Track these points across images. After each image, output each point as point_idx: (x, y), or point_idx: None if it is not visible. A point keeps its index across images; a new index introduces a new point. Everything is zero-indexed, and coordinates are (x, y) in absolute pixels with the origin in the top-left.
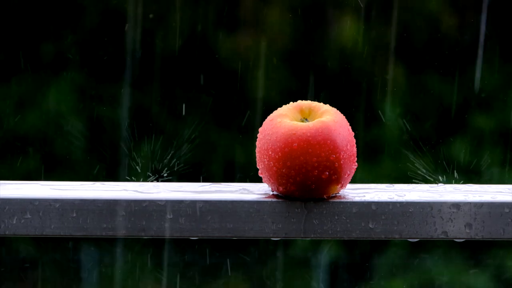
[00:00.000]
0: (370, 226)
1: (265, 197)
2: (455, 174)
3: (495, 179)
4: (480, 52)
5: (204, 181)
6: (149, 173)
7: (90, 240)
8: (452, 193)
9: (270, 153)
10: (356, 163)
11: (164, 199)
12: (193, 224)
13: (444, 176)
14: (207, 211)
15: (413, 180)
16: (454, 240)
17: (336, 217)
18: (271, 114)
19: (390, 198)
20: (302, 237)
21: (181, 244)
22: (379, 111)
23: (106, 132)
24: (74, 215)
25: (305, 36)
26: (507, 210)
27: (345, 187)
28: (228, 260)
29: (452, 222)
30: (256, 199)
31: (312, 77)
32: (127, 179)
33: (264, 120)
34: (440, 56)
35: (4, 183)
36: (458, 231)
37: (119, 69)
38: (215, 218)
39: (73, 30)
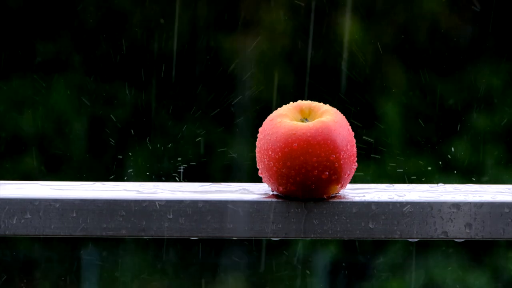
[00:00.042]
0: (370, 226)
1: (265, 197)
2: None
3: (495, 179)
4: (480, 51)
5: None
6: (149, 173)
7: (90, 240)
8: (452, 193)
9: (270, 153)
10: (356, 163)
11: (164, 199)
12: (193, 224)
13: (444, 176)
14: (207, 211)
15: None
16: (454, 240)
17: (336, 217)
18: (271, 114)
19: (390, 198)
20: (302, 237)
21: (181, 244)
22: (379, 111)
23: (106, 132)
24: (74, 215)
25: (305, 36)
26: (507, 210)
27: (345, 187)
28: (228, 260)
29: (452, 222)
30: (256, 199)
31: (312, 77)
32: (127, 179)
33: (264, 120)
34: (440, 55)
35: (4, 183)
36: (458, 231)
37: (119, 69)
38: (215, 218)
39: (73, 30)
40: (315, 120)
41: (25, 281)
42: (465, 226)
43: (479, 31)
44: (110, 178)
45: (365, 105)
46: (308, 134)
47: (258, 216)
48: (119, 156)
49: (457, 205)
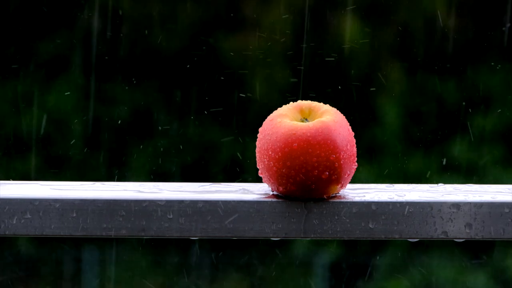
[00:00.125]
0: (370, 226)
1: (265, 197)
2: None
3: (495, 179)
4: (481, 51)
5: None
6: (149, 173)
7: (90, 240)
8: (452, 193)
9: (270, 153)
10: (356, 163)
11: (164, 199)
12: (193, 224)
13: (444, 176)
14: (207, 211)
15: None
16: (454, 240)
17: (336, 217)
18: (271, 114)
19: (390, 198)
20: (302, 237)
21: (181, 244)
22: (379, 111)
23: (106, 132)
24: (74, 215)
25: (305, 36)
26: (507, 210)
27: (345, 187)
28: (228, 260)
29: (452, 222)
30: (256, 199)
31: (312, 76)
32: (127, 179)
33: (264, 120)
34: (441, 55)
35: (4, 183)
36: (458, 231)
37: (119, 69)
38: (215, 218)
39: (73, 29)
40: (315, 120)
41: (25, 281)
42: (465, 226)
43: (479, 31)
44: (110, 178)
45: (365, 105)
46: (308, 134)
47: (258, 216)
48: (119, 156)
49: (457, 205)
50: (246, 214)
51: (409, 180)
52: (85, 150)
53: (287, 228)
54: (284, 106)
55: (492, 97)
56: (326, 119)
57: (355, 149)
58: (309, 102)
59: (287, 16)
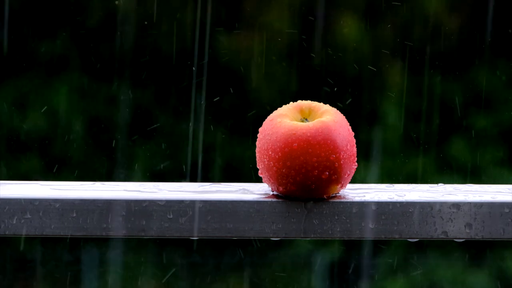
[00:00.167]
0: (370, 226)
1: (265, 197)
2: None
3: (495, 179)
4: (481, 51)
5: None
6: (149, 173)
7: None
8: (452, 193)
9: (270, 153)
10: (356, 163)
11: (164, 199)
12: (193, 224)
13: (444, 176)
14: (207, 211)
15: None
16: (454, 240)
17: (336, 217)
18: (271, 114)
19: (390, 198)
20: (302, 237)
21: (181, 244)
22: (379, 111)
23: (106, 132)
24: (74, 215)
25: (305, 36)
26: (507, 210)
27: (345, 187)
28: (228, 260)
29: (452, 222)
30: (256, 199)
31: (312, 77)
32: (127, 179)
33: (264, 120)
34: (441, 55)
35: (4, 183)
36: (458, 231)
37: (119, 69)
38: (215, 218)
39: (73, 29)
40: (315, 120)
41: (25, 281)
42: (465, 226)
43: (480, 31)
44: (110, 178)
45: (365, 105)
46: (308, 134)
47: (258, 216)
48: (119, 156)
49: (457, 205)
50: (246, 214)
51: (409, 180)
52: (85, 150)
53: (287, 228)
54: (284, 106)
55: (492, 97)
56: (326, 119)
57: (355, 149)
58: (309, 102)
59: (287, 15)
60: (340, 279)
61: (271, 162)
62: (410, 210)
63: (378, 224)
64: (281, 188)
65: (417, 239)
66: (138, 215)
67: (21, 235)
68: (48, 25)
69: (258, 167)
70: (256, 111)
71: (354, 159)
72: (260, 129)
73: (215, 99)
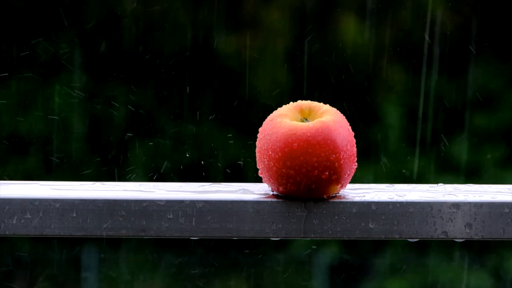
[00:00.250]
0: (370, 226)
1: (265, 197)
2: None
3: (495, 179)
4: (481, 52)
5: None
6: (149, 173)
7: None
8: (452, 193)
9: (270, 153)
10: (356, 163)
11: (164, 199)
12: (193, 224)
13: (444, 176)
14: (207, 211)
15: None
16: (454, 240)
17: (336, 217)
18: (271, 114)
19: (390, 198)
20: (302, 237)
21: (181, 244)
22: (380, 111)
23: (106, 132)
24: (74, 215)
25: (305, 36)
26: (507, 210)
27: (345, 187)
28: (228, 260)
29: (452, 222)
30: (256, 199)
31: (312, 77)
32: (127, 179)
33: (264, 120)
34: (441, 56)
35: (4, 183)
36: (458, 231)
37: (119, 69)
38: (215, 218)
39: (73, 29)
40: (315, 120)
41: (25, 281)
42: (465, 226)
43: (480, 31)
44: (110, 178)
45: (365, 105)
46: (308, 134)
47: (258, 216)
48: (119, 156)
49: (457, 205)
50: (246, 214)
51: (408, 180)
52: (85, 150)
53: (287, 228)
54: (284, 106)
55: (492, 97)
56: (326, 119)
57: (355, 149)
58: (309, 102)
59: (287, 16)
60: (340, 279)
61: (271, 162)
62: (410, 210)
63: (378, 224)
64: (281, 188)
65: (417, 239)
66: (138, 215)
67: (21, 235)
68: (48, 25)
69: (258, 167)
70: (256, 111)
71: (354, 159)
72: (260, 129)
73: (215, 99)
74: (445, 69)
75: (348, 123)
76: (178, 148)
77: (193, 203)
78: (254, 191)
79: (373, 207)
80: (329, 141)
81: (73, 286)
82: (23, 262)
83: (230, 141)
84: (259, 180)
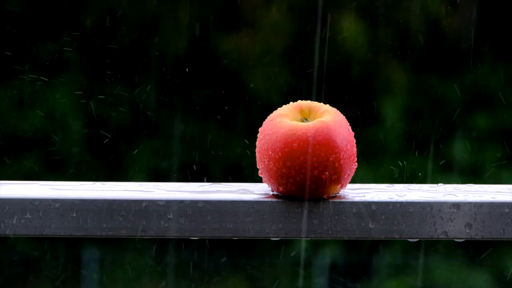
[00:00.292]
0: (370, 226)
1: (265, 197)
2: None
3: (495, 179)
4: (481, 52)
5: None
6: (149, 173)
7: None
8: (452, 193)
9: (270, 153)
10: (356, 163)
11: (164, 199)
12: (193, 224)
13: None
14: (207, 211)
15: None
16: (454, 240)
17: (336, 217)
18: (271, 114)
19: (390, 198)
20: (302, 237)
21: (181, 244)
22: (380, 111)
23: (106, 132)
24: (74, 215)
25: (305, 36)
26: (507, 210)
27: (345, 187)
28: (228, 260)
29: (452, 222)
30: (256, 199)
31: (312, 76)
32: (127, 179)
33: (264, 120)
34: (441, 56)
35: (4, 183)
36: (458, 231)
37: (119, 68)
38: (215, 218)
39: (73, 30)
40: (315, 120)
41: (25, 281)
42: (465, 226)
43: (480, 31)
44: (110, 178)
45: (365, 105)
46: (308, 134)
47: (258, 216)
48: (119, 156)
49: (457, 205)
50: (246, 214)
51: (408, 180)
52: (85, 150)
53: (287, 228)
54: (284, 106)
55: (492, 97)
56: (326, 119)
57: (355, 149)
58: (309, 102)
59: (287, 16)
60: (340, 279)
61: (271, 162)
62: (410, 210)
63: (378, 224)
64: (281, 188)
65: (417, 239)
66: (138, 215)
67: (21, 235)
68: (48, 25)
69: (258, 167)
70: (256, 111)
71: (354, 159)
72: (260, 129)
73: (215, 99)
74: (445, 69)
75: (348, 123)
76: (178, 148)
77: (193, 203)
78: (254, 191)
79: (373, 207)
80: (329, 141)
81: (72, 286)
82: (23, 262)
83: (229, 141)
84: (259, 180)
